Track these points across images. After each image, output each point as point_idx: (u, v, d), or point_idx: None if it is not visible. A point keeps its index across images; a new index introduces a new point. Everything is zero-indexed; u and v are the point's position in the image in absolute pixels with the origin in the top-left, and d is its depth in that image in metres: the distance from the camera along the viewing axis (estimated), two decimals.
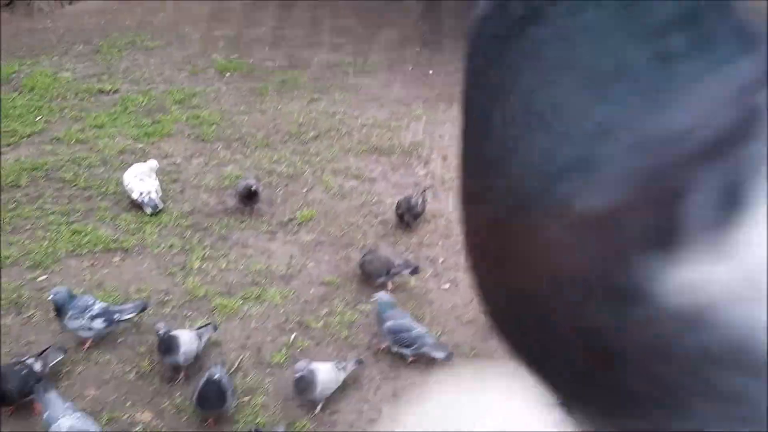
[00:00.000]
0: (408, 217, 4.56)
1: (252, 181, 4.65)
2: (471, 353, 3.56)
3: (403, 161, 5.70)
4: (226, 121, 6.35)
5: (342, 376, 3.19)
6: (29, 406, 3.12)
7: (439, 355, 3.38)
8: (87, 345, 3.47)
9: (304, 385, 3.04)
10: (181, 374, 3.33)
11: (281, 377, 3.39)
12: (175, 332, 3.28)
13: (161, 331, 3.20)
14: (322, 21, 9.65)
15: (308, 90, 7.16)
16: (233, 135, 6.06)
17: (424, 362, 3.46)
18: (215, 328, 3.54)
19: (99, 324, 3.40)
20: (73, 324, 3.38)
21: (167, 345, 3.21)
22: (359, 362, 3.31)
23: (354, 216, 4.83)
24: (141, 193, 4.69)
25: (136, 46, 8.30)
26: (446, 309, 3.92)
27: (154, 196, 4.73)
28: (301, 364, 3.08)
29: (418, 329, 3.41)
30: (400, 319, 3.39)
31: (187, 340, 3.27)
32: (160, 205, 4.74)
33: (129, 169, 4.85)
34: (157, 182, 4.83)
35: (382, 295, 3.47)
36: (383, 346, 3.50)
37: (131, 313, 3.56)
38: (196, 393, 2.99)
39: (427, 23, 9.74)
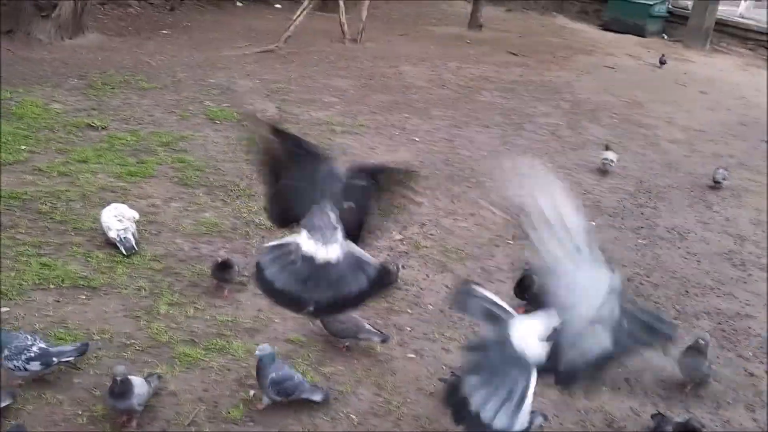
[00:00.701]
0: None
1: (223, 254, 4.55)
2: (429, 427, 3.55)
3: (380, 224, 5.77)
4: (210, 167, 6.41)
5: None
6: None
7: (316, 397, 3.55)
8: (19, 383, 3.42)
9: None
10: (134, 422, 3.27)
11: None
12: (131, 377, 3.24)
13: (119, 376, 3.15)
14: (317, 79, 9.88)
15: None
16: (216, 182, 6.12)
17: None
18: (159, 378, 3.51)
19: (35, 366, 3.34)
20: (7, 363, 3.32)
21: (122, 389, 3.15)
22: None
23: None
24: (118, 233, 4.68)
25: (130, 85, 8.41)
26: (409, 379, 3.92)
27: (130, 236, 4.72)
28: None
29: (297, 376, 3.53)
30: (281, 369, 3.45)
31: (140, 385, 3.24)
32: (136, 247, 4.74)
33: (107, 207, 4.85)
34: (134, 223, 4.84)
35: (266, 347, 3.47)
36: (264, 403, 3.50)
37: (71, 356, 3.49)
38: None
39: (418, 92, 10.02)
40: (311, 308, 2.58)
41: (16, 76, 8.23)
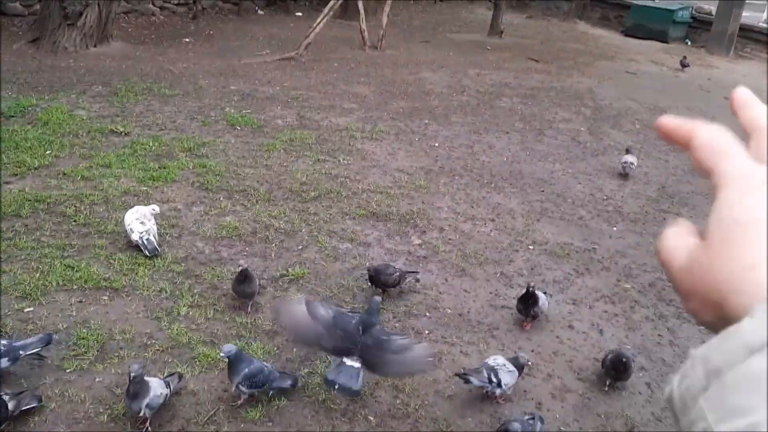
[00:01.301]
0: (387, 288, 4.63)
1: (243, 263, 4.41)
2: (447, 429, 3.53)
3: (399, 229, 5.78)
4: (231, 172, 6.47)
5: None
6: None
7: (286, 384, 3.64)
8: None
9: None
10: (147, 424, 3.28)
11: None
12: (147, 378, 3.27)
13: (133, 373, 3.17)
14: (337, 86, 9.94)
15: (315, 151, 7.32)
16: (236, 187, 6.17)
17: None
18: (180, 378, 3.54)
19: (4, 363, 3.38)
20: None
21: (135, 390, 3.19)
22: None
23: (345, 278, 4.86)
24: (140, 235, 4.74)
25: (153, 92, 8.53)
26: (428, 382, 3.90)
27: (152, 238, 4.78)
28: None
29: (267, 367, 3.55)
30: (251, 364, 3.46)
31: (156, 387, 3.26)
32: (158, 249, 4.79)
33: (130, 211, 4.92)
34: (154, 224, 4.90)
35: (231, 347, 3.45)
36: (241, 399, 3.53)
37: (36, 347, 3.52)
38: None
39: (438, 97, 10.03)
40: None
41: (42, 83, 8.39)
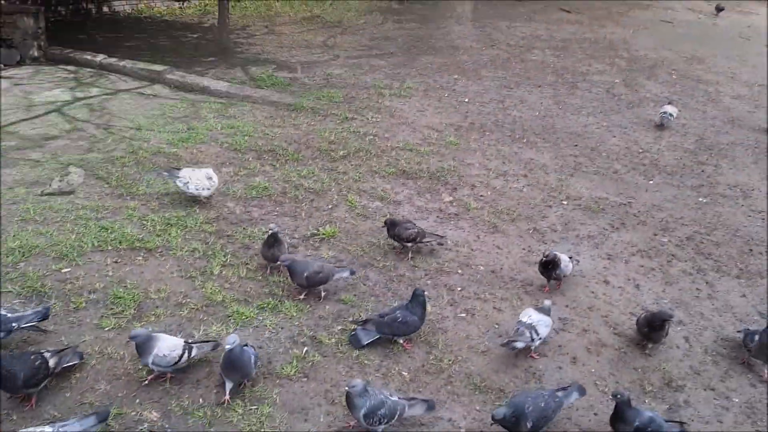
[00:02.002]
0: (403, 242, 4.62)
1: (273, 226, 4.36)
2: (482, 384, 3.52)
3: (429, 186, 5.72)
4: (259, 132, 6.44)
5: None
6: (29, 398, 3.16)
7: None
8: None
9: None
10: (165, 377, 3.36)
11: (289, 389, 3.39)
12: (156, 335, 3.32)
13: (136, 337, 3.26)
14: (362, 42, 9.78)
15: (342, 109, 7.24)
16: (265, 147, 6.15)
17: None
18: (215, 347, 3.52)
19: None
20: None
21: (142, 347, 3.27)
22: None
23: (376, 236, 4.84)
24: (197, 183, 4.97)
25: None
26: (460, 338, 3.89)
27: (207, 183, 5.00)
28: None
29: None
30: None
31: (167, 345, 3.30)
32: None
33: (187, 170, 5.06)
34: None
35: (235, 337, 3.32)
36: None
37: (31, 321, 3.48)
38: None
39: (467, 52, 9.80)
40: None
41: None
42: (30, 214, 4.66)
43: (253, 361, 3.35)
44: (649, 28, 11.80)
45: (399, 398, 3.19)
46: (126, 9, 11.66)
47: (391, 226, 4.58)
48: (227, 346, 3.24)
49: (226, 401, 3.26)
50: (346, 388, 3.11)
